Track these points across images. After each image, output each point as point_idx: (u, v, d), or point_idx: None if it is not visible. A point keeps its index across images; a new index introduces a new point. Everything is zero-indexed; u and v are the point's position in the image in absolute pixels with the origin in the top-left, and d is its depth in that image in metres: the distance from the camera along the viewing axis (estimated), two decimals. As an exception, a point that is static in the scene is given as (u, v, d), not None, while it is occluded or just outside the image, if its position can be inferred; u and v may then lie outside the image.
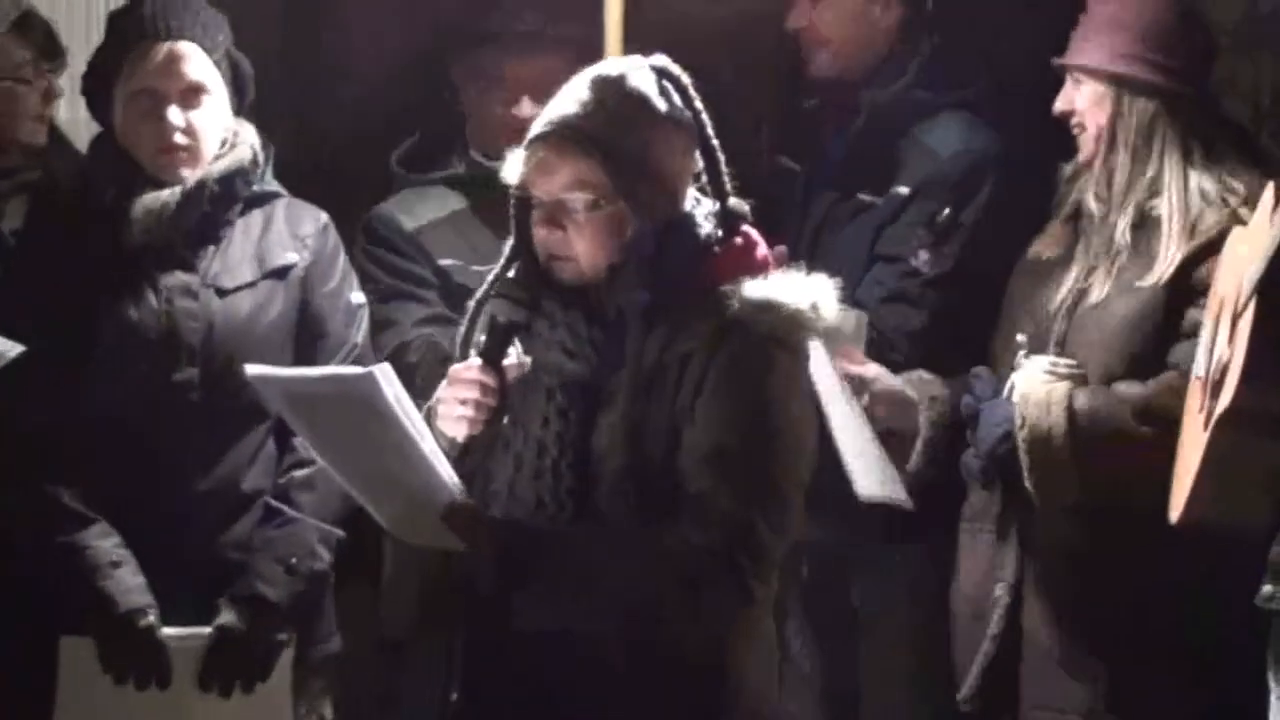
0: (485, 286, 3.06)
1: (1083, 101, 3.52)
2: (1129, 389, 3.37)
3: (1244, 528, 3.05)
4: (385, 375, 2.84)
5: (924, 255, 3.90)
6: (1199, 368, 3.07)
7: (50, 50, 4.02)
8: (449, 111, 4.25)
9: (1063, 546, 3.48)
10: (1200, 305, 3.32)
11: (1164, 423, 3.27)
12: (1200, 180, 3.42)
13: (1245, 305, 2.88)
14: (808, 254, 4.01)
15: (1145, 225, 3.47)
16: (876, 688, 4.05)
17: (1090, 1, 3.54)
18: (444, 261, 4.08)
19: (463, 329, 3.10)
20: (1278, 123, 3.97)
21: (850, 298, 3.95)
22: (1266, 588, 3.09)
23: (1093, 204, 3.55)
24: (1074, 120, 3.57)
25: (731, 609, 2.94)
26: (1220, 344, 2.97)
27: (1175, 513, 3.07)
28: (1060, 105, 3.54)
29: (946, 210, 3.94)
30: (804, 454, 2.99)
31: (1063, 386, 3.40)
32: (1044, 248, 3.67)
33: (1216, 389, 2.94)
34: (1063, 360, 3.47)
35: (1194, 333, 3.31)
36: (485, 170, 3.84)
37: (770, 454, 2.92)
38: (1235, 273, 3.00)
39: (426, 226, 4.13)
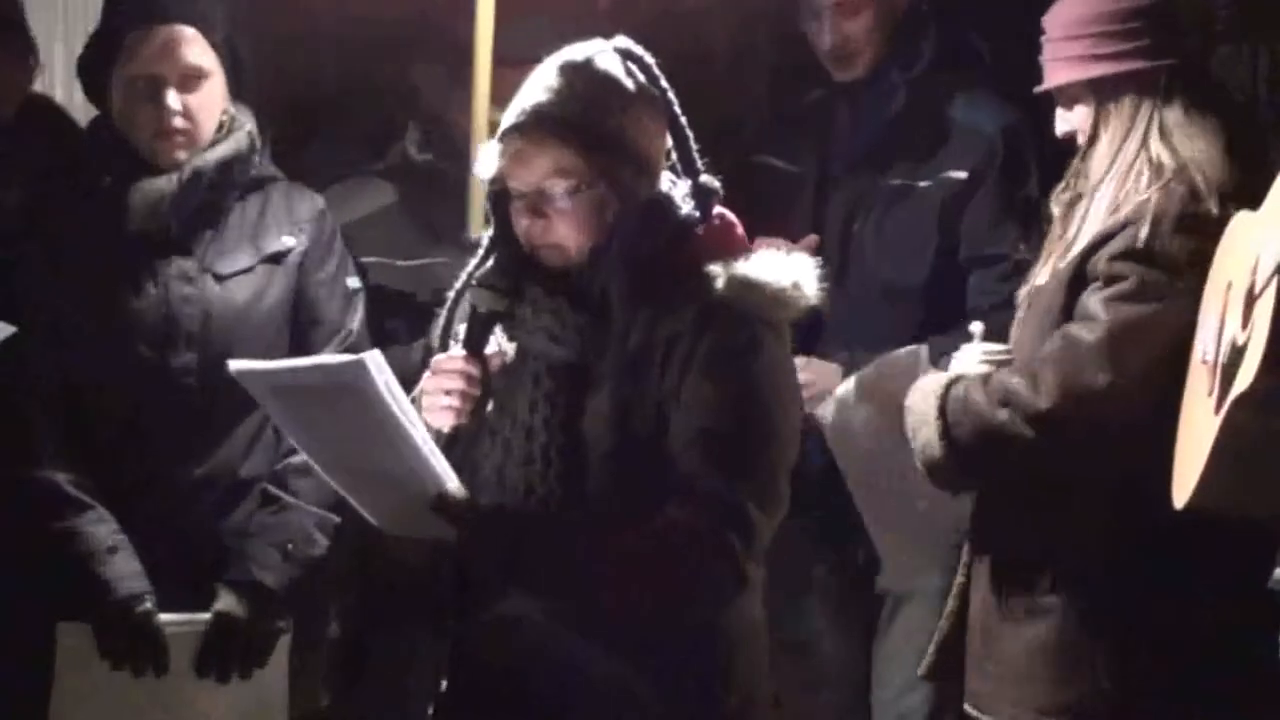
0: (463, 279, 3.06)
1: (1076, 119, 3.52)
2: (1000, 375, 3.35)
3: (1257, 511, 3.05)
4: (375, 362, 2.82)
5: (1022, 247, 3.88)
6: (1205, 352, 3.06)
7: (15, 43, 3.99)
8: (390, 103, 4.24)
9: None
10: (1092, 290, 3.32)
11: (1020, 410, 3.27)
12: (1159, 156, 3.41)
13: (1265, 287, 2.86)
14: (839, 244, 4.04)
15: (1078, 205, 3.47)
16: (892, 673, 4.08)
17: (1045, 24, 3.54)
18: (366, 259, 4.06)
19: (441, 321, 3.10)
20: (1273, 111, 3.97)
21: (918, 284, 4.00)
22: None
23: (1053, 197, 3.54)
24: (1078, 140, 3.56)
25: (725, 590, 2.93)
26: (1231, 326, 2.96)
27: (1182, 496, 3.06)
28: (1061, 129, 3.53)
29: (1021, 190, 3.98)
30: (791, 433, 2.98)
31: (943, 375, 3.42)
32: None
33: (1229, 372, 2.94)
34: (999, 346, 3.47)
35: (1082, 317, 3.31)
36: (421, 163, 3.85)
37: (759, 434, 2.92)
38: (1244, 254, 2.99)
39: (355, 222, 4.11)
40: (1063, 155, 3.52)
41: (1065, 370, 3.25)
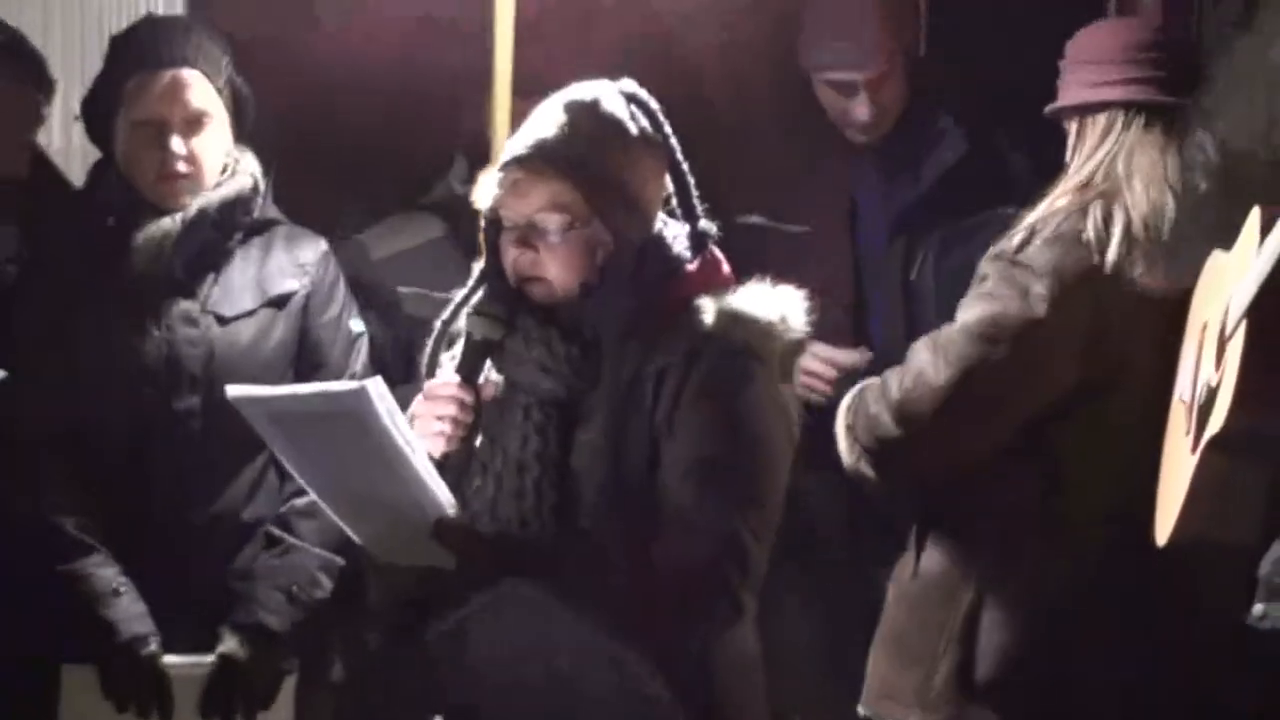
0: (451, 308, 3.07)
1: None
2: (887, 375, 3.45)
3: (1234, 547, 3.08)
4: (378, 390, 2.83)
5: None
6: (1183, 392, 3.10)
7: (34, 76, 3.98)
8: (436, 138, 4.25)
9: None
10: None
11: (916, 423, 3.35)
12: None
13: (1235, 329, 2.90)
14: (902, 299, 4.04)
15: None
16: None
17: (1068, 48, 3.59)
18: (402, 289, 4.07)
19: (428, 349, 3.11)
20: (1273, 151, 3.98)
21: None
22: (1258, 606, 3.12)
23: None
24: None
25: (721, 621, 2.94)
26: (1206, 367, 3.00)
27: (1163, 534, 3.09)
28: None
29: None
30: (783, 464, 2.99)
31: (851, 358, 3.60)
32: None
33: (1204, 412, 2.97)
34: None
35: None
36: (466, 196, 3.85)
37: (751, 464, 2.93)
38: (1219, 295, 3.03)
39: (397, 255, 4.12)
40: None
41: (919, 364, 3.36)
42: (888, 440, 3.38)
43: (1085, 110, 3.47)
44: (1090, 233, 3.33)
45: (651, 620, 2.89)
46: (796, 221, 4.13)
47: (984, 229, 3.93)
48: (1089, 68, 3.49)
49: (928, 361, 3.35)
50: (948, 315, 3.77)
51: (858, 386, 3.52)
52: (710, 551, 2.87)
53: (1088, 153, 3.45)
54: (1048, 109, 3.56)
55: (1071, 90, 3.51)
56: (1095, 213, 3.35)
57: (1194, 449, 2.96)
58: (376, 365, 3.85)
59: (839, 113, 4.10)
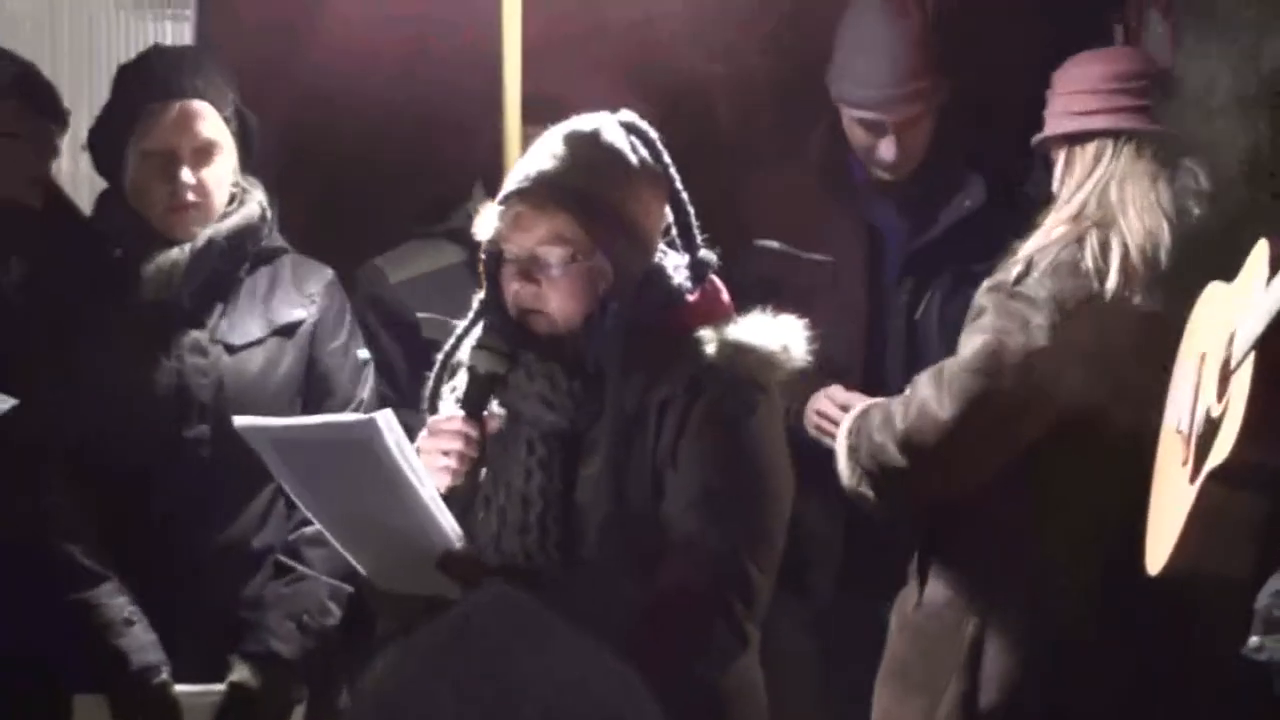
0: (451, 340, 3.08)
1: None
2: (892, 404, 3.45)
3: (1229, 579, 3.09)
4: (387, 422, 2.84)
5: None
6: (1180, 421, 3.11)
7: (48, 109, 3.99)
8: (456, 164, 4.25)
9: None
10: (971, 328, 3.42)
11: (920, 456, 3.37)
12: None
13: (1241, 361, 2.91)
14: (905, 337, 4.02)
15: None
16: None
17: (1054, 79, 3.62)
18: (421, 314, 4.09)
19: (430, 383, 3.11)
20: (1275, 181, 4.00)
21: None
22: (1254, 639, 3.12)
23: None
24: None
25: (727, 652, 2.95)
26: (1206, 398, 3.00)
27: (1156, 564, 3.10)
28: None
29: None
30: (786, 494, 3.00)
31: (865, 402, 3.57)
32: None
33: (1204, 443, 2.98)
34: None
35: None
36: None
37: (755, 495, 2.94)
38: (1219, 326, 3.03)
39: (415, 279, 4.13)
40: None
41: (923, 397, 3.36)
42: (891, 468, 3.40)
43: (1074, 140, 3.49)
44: (1088, 261, 3.35)
45: (655, 652, 2.89)
46: (816, 250, 4.11)
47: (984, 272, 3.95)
48: (1076, 97, 3.50)
49: (931, 396, 3.37)
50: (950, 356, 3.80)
51: (859, 408, 3.53)
52: (714, 582, 2.88)
53: (1078, 182, 3.46)
54: (1034, 139, 3.58)
55: (1059, 120, 3.52)
56: (1092, 241, 3.36)
57: (1193, 479, 2.96)
58: (391, 387, 3.88)
59: (865, 149, 4.08)
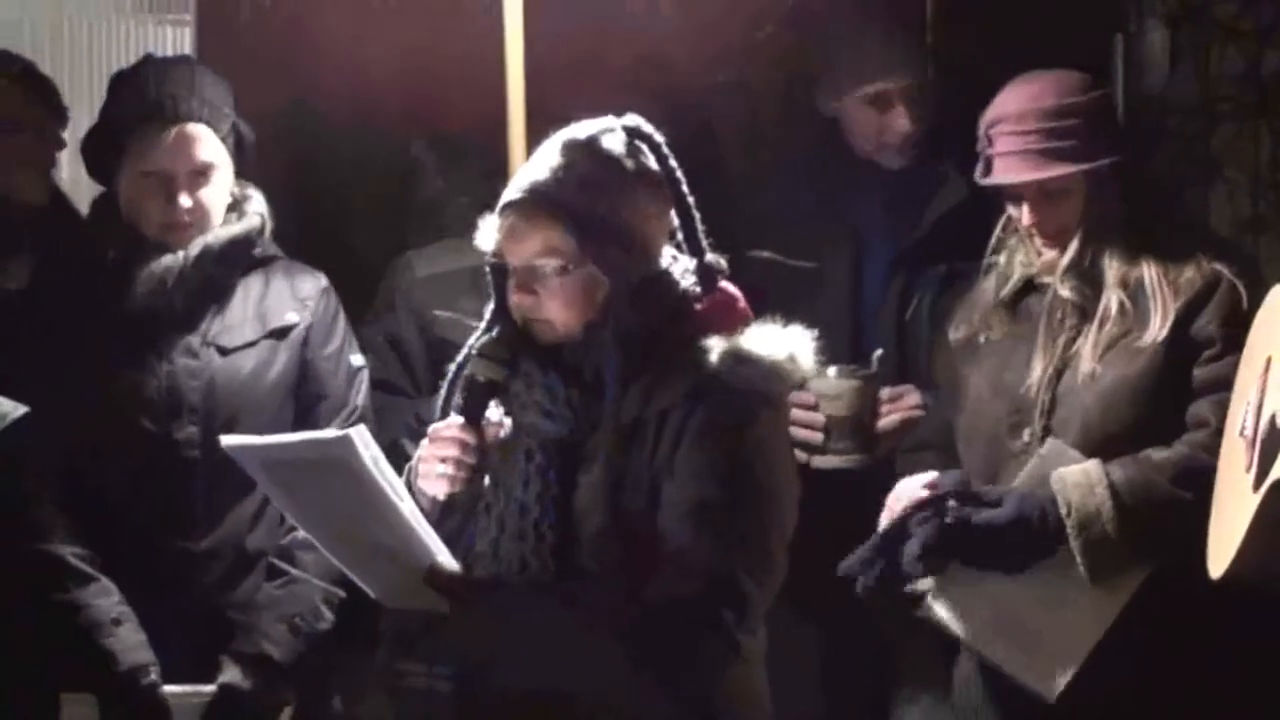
0: (464, 351, 3.07)
1: (1035, 212, 3.58)
2: (1160, 455, 3.39)
3: None
4: (361, 438, 2.84)
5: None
6: (1245, 426, 3.07)
7: (51, 104, 3.99)
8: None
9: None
10: (1207, 360, 3.37)
11: (1202, 485, 3.28)
12: (1162, 240, 3.48)
13: None
14: (895, 336, 4.03)
15: (1128, 289, 3.51)
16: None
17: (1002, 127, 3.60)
18: (439, 312, 4.08)
19: (443, 391, 3.10)
20: (1275, 192, 4.00)
21: None
22: None
23: (1067, 291, 3.55)
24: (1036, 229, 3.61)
25: (718, 663, 2.93)
26: (1271, 403, 2.96)
27: (1218, 569, 3.06)
28: (1026, 221, 3.59)
29: None
30: (788, 504, 2.98)
31: (1095, 463, 3.42)
32: (983, 329, 3.67)
33: (1267, 449, 2.94)
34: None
35: (1212, 388, 3.34)
36: None
37: (751, 506, 2.91)
38: None
39: (439, 275, 4.13)
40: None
41: None
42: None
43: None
44: None
45: (645, 665, 2.88)
46: (803, 257, 4.12)
47: (978, 274, 3.95)
48: (1015, 138, 3.53)
49: None
50: None
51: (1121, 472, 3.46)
52: (704, 593, 2.86)
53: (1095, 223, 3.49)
54: (984, 181, 3.56)
55: (1010, 163, 3.54)
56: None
57: (1256, 486, 2.93)
58: (409, 377, 3.89)
59: (875, 132, 4.11)
